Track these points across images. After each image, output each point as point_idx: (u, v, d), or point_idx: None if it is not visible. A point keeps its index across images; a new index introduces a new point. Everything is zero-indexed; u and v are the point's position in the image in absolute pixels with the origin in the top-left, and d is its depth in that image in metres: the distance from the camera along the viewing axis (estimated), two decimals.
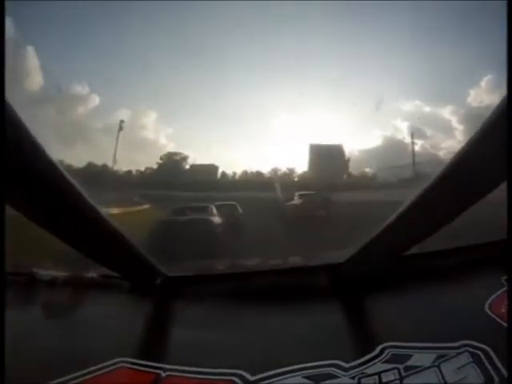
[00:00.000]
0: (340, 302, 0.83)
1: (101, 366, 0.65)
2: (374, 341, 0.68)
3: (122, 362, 0.66)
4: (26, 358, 0.68)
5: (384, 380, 0.60)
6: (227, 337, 0.74)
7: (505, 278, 0.83)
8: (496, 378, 0.58)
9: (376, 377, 0.60)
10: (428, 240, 0.75)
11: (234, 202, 7.78)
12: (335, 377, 0.61)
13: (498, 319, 0.71)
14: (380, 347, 0.66)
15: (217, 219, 6.03)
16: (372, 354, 0.64)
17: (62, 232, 0.67)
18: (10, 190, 0.52)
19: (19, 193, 0.54)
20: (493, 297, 0.78)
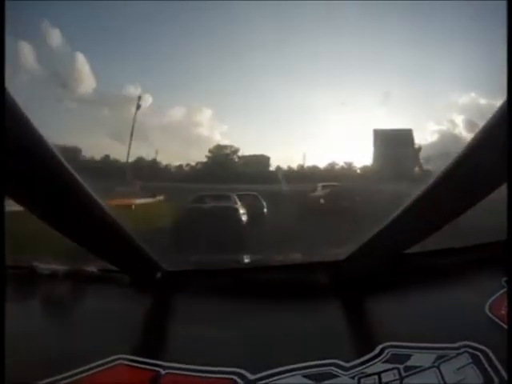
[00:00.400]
0: (340, 300, 0.83)
1: (99, 362, 0.64)
2: (374, 340, 0.68)
3: (121, 358, 0.66)
4: (24, 353, 0.67)
5: (384, 380, 0.60)
6: (227, 334, 0.74)
7: (505, 279, 0.84)
8: (496, 379, 0.58)
9: (376, 377, 0.60)
10: (428, 239, 0.75)
11: (255, 193, 7.45)
12: (335, 376, 0.61)
13: (498, 321, 0.71)
14: (380, 347, 0.66)
15: (241, 208, 5.77)
16: (372, 354, 0.64)
17: (62, 225, 0.67)
18: (10, 181, 0.51)
19: (19, 184, 0.54)
20: (493, 298, 0.78)
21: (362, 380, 0.60)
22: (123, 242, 0.75)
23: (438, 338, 0.67)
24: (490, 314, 0.73)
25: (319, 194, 7.65)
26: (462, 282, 0.89)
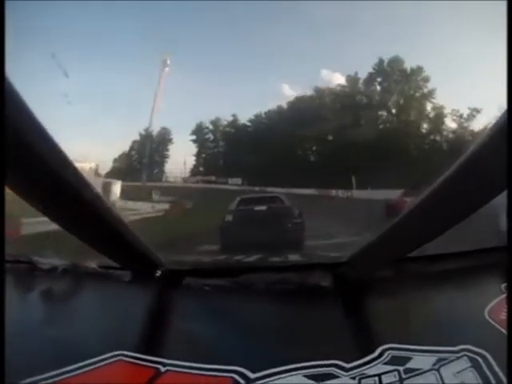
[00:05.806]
0: (342, 302, 0.83)
1: (99, 358, 0.64)
2: (375, 342, 0.68)
3: (121, 355, 0.65)
4: (23, 348, 0.67)
5: (384, 381, 0.60)
6: (228, 333, 0.74)
7: (504, 285, 0.84)
8: (494, 383, 0.59)
9: (376, 378, 0.61)
10: (428, 244, 0.75)
11: (277, 194, 6.65)
12: (336, 377, 0.61)
13: (497, 325, 0.71)
14: (380, 349, 0.66)
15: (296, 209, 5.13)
16: (372, 356, 0.64)
17: (64, 220, 0.66)
18: (12, 174, 0.51)
19: (20, 178, 0.53)
20: (492, 303, 0.78)
21: (363, 381, 0.60)
22: (125, 239, 0.74)
23: (437, 341, 0.67)
24: (489, 319, 0.74)
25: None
26: (461, 287, 0.89)
